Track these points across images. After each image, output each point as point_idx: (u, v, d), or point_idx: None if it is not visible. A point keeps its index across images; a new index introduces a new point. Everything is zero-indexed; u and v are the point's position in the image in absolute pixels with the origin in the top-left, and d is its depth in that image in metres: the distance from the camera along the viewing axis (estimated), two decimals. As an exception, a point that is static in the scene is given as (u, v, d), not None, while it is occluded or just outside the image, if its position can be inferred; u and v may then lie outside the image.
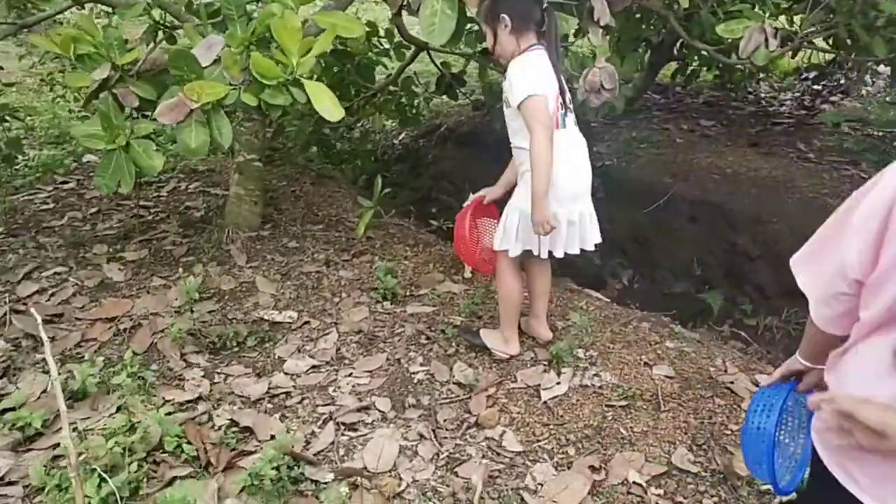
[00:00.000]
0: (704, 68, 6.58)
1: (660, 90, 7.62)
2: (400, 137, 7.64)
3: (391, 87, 5.05)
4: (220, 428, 2.21)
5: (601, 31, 2.86)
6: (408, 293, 3.09)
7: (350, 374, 2.49)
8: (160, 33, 3.46)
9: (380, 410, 2.32)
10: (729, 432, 2.22)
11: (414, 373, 2.50)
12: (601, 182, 5.49)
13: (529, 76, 2.28)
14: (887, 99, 6.51)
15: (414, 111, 6.03)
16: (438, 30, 2.40)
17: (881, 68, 6.43)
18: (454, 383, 2.44)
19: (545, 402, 2.33)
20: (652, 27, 5.03)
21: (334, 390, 2.42)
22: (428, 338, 2.72)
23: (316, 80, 2.50)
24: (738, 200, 4.57)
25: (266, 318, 2.86)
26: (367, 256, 3.43)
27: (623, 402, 2.32)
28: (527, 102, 2.24)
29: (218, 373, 2.53)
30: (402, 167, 7.70)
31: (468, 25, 3.28)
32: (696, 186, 4.81)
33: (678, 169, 5.05)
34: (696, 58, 5.98)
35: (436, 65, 4.72)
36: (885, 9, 3.19)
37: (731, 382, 2.46)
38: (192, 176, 4.68)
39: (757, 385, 2.45)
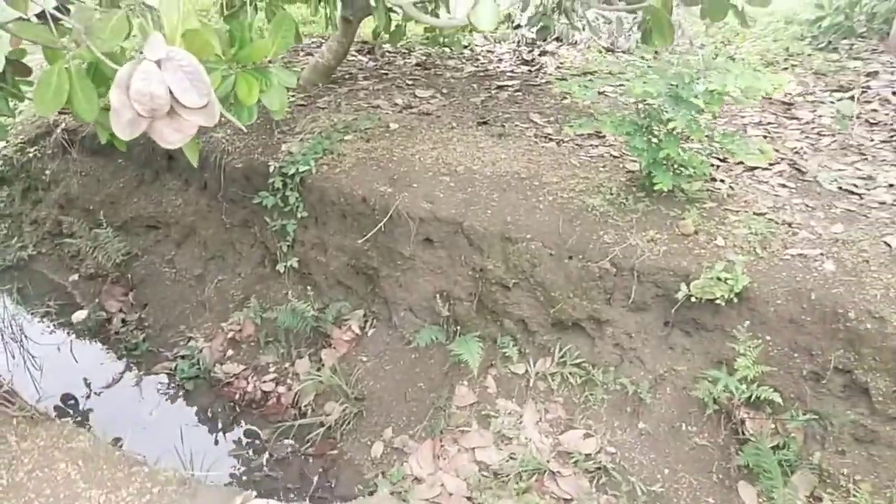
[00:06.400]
0: (411, 22, 5.24)
1: (367, 50, 6.18)
2: (-2, 149, 5.02)
3: None
4: None
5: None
6: None
7: None
8: None
9: None
10: None
11: None
12: (299, 198, 3.88)
13: None
14: (605, 45, 5.92)
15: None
16: None
17: (589, 13, 5.78)
18: None
19: None
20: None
21: None
22: None
23: None
24: (479, 212, 3.33)
25: None
26: None
27: None
28: None
29: None
30: (11, 192, 5.12)
31: None
32: (424, 196, 3.46)
33: (398, 171, 3.64)
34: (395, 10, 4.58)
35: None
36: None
37: None
38: None
39: None
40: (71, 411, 3.73)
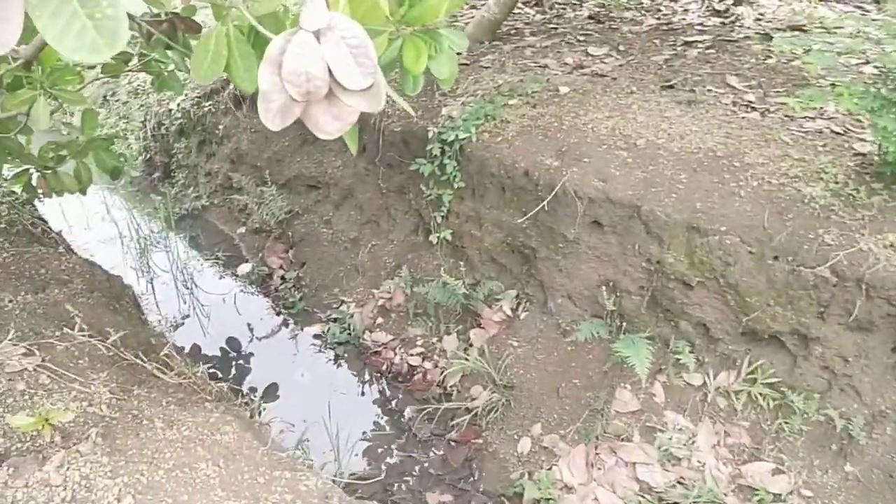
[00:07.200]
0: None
1: (534, 1, 5.73)
2: (178, 102, 5.32)
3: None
4: None
5: None
6: None
7: None
8: None
9: None
10: None
11: None
12: (457, 167, 3.64)
13: None
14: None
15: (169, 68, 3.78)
16: None
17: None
18: None
19: None
20: None
21: None
22: None
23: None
24: (662, 195, 2.86)
25: None
26: None
27: None
28: None
29: None
30: (188, 144, 5.43)
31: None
32: (596, 173, 3.05)
33: (567, 142, 3.26)
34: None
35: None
36: None
37: None
38: None
39: None
40: (233, 364, 3.88)
